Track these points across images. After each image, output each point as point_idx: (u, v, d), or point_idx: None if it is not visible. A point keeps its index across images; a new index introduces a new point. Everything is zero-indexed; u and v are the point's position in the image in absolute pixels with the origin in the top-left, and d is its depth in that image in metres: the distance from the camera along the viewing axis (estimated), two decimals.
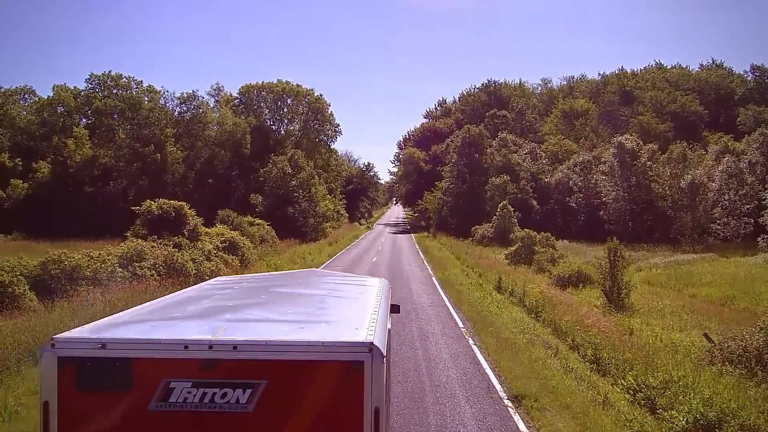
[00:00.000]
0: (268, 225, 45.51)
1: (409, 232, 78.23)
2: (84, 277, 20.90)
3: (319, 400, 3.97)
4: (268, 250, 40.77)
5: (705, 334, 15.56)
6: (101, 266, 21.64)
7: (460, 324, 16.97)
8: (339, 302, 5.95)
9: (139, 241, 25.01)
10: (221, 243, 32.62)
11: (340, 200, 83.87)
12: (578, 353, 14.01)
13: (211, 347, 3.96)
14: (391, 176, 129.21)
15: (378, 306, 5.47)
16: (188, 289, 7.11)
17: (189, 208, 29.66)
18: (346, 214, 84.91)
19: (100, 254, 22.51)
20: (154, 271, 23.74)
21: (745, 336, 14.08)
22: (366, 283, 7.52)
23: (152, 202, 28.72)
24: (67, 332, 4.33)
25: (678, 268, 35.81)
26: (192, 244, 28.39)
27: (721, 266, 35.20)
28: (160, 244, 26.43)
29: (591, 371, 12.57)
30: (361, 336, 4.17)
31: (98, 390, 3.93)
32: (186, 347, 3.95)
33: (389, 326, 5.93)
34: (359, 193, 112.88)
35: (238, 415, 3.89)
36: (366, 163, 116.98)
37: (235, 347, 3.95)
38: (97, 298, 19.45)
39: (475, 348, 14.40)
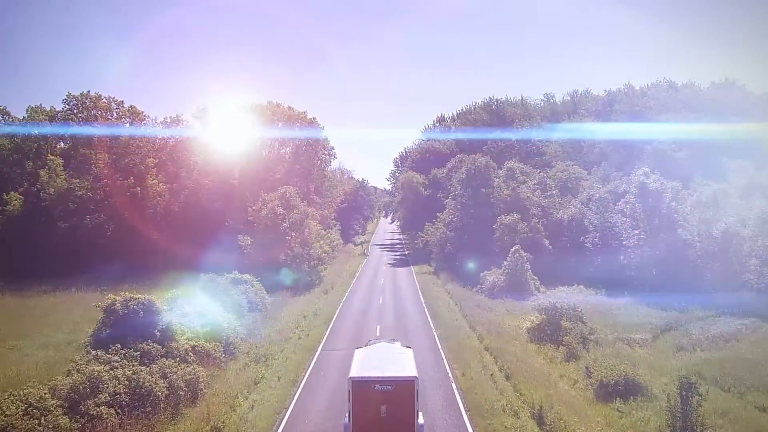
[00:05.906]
0: (257, 282, 40.92)
1: (409, 264, 73.45)
2: None
3: (405, 390, 18.17)
4: (257, 318, 36.04)
5: None
6: (41, 422, 16.92)
7: None
8: (401, 358, 20.56)
9: (93, 365, 20.23)
10: (201, 327, 28.04)
11: (334, 225, 79.05)
12: None
13: (383, 376, 18.65)
14: (386, 192, 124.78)
15: (412, 359, 20.58)
16: (357, 356, 20.99)
17: (163, 304, 24.94)
18: (341, 241, 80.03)
19: (42, 398, 17.77)
20: (112, 408, 19.06)
21: None
22: (406, 351, 21.61)
23: (116, 298, 23.97)
24: (351, 373, 19.03)
25: (725, 346, 31.60)
26: (164, 348, 23.70)
27: None
28: (123, 357, 21.79)
29: None
30: (412, 373, 18.98)
31: (361, 387, 18.20)
32: (378, 377, 18.60)
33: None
34: (353, 211, 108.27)
35: (388, 391, 18.20)
36: (361, 180, 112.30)
37: (386, 376, 18.65)
38: None
39: None
